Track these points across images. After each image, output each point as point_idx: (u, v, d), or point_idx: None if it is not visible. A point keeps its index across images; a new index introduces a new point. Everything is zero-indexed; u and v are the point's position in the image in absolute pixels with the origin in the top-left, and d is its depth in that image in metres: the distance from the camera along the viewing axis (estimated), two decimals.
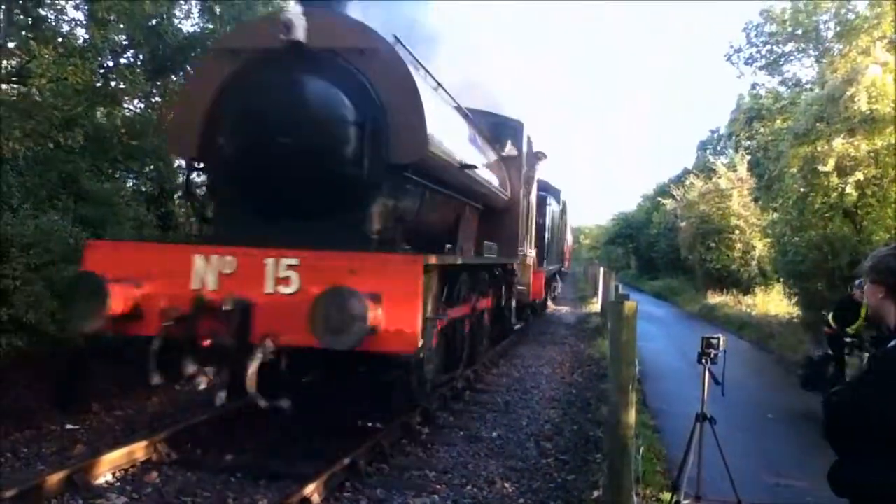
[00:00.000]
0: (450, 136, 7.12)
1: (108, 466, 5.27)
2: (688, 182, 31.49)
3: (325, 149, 5.81)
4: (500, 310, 10.82)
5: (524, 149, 11.81)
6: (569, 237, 28.74)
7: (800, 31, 24.09)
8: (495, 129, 11.04)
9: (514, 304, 11.75)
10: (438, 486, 5.54)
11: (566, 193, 24.37)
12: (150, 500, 4.98)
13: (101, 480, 5.15)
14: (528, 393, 9.27)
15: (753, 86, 28.90)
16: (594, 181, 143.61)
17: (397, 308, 5.13)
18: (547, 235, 17.47)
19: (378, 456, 5.95)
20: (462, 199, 8.46)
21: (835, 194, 14.04)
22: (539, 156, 12.95)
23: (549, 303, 22.84)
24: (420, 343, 5.24)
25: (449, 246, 7.35)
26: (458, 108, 8.55)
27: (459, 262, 7.13)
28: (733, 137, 33.02)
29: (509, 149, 11.23)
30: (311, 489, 4.81)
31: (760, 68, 27.35)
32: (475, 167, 7.90)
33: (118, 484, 5.17)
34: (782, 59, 26.54)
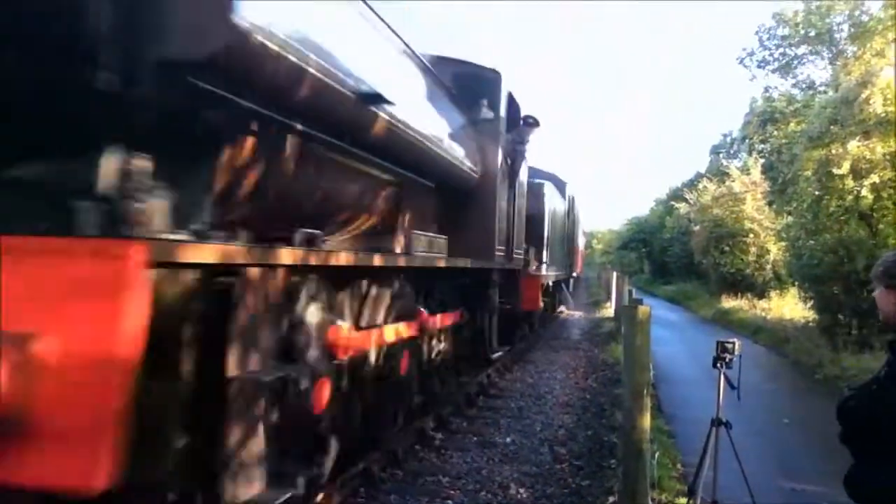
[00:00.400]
0: (338, 46, 4.10)
1: None
2: (701, 186, 31.40)
3: (27, 29, 2.75)
4: (475, 332, 8.66)
5: (503, 110, 8.66)
6: (580, 240, 28.05)
7: (813, 34, 24.00)
8: (461, 83, 7.94)
9: (493, 323, 8.97)
10: (452, 492, 5.52)
11: (574, 190, 21.12)
12: None
13: None
14: (542, 398, 9.24)
15: (766, 89, 28.86)
16: (600, 183, 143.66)
17: (74, 370, 2.15)
18: (546, 232, 13.88)
19: (392, 462, 5.94)
20: (394, 168, 5.51)
21: (850, 197, 13.97)
22: (529, 121, 9.35)
23: (564, 309, 22.55)
24: (110, 470, 2.15)
25: (311, 231, 3.94)
26: (398, 44, 5.87)
27: (313, 262, 3.76)
28: (746, 141, 32.93)
29: (484, 111, 8.26)
30: (323, 496, 4.81)
31: (773, 71, 27.30)
32: (388, 103, 4.67)
33: None
34: (795, 62, 26.47)
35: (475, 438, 7.07)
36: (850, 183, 13.74)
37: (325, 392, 4.07)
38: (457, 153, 6.99)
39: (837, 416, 2.58)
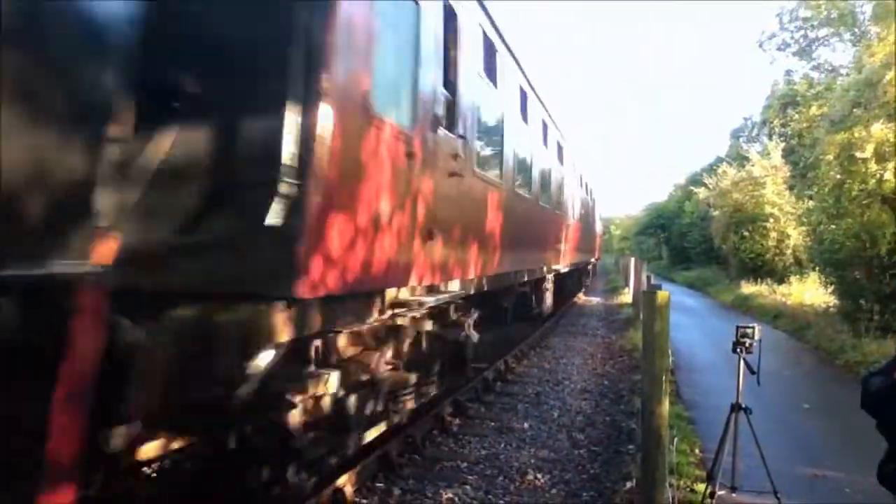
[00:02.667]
0: None
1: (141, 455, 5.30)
2: (721, 170, 31.09)
3: None
4: None
5: None
6: (598, 224, 27.18)
7: (835, 15, 23.58)
8: None
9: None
10: (470, 477, 5.55)
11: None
12: (183, 488, 5.02)
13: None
14: (560, 384, 9.23)
15: (788, 72, 28.46)
16: (618, 170, 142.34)
17: None
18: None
19: (410, 447, 5.97)
20: None
21: (873, 181, 13.74)
22: None
23: (581, 295, 22.25)
24: None
25: None
26: None
27: None
28: (767, 125, 32.51)
29: None
30: (343, 480, 4.84)
31: (794, 54, 26.86)
32: None
33: (154, 475, 5.24)
34: (816, 44, 26.03)
35: (493, 424, 7.09)
36: (872, 167, 13.51)
37: None
38: None
39: (861, 394, 2.55)
